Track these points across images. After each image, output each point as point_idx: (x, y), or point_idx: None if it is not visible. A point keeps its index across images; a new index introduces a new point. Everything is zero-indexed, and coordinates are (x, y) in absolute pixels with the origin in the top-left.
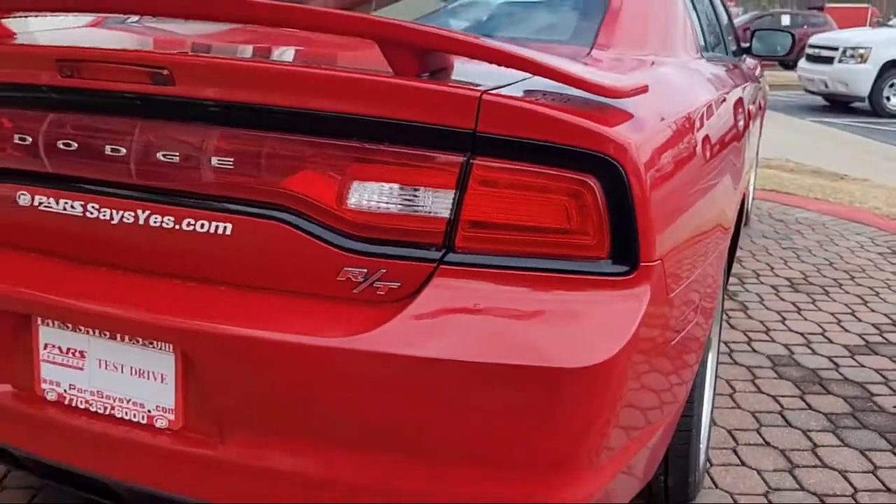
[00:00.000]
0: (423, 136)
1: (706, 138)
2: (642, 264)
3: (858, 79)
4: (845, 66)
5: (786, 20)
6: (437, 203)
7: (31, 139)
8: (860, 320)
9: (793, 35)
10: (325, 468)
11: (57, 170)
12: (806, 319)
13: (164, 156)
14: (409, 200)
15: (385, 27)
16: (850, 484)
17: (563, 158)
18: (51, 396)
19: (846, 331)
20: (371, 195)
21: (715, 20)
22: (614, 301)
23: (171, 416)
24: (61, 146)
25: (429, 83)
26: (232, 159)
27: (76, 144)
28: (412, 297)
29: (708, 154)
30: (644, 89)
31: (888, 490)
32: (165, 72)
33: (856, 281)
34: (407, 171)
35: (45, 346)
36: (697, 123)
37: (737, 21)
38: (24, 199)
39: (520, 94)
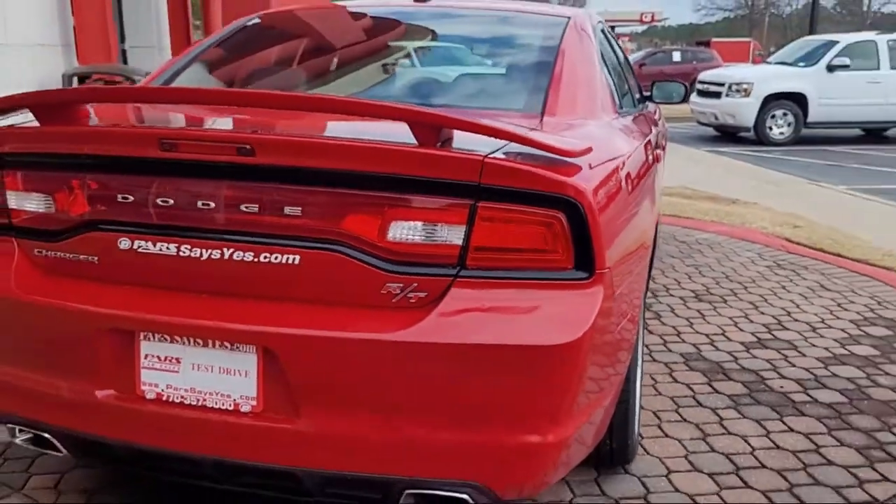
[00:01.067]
0: (442, 188)
1: (630, 178)
2: (597, 272)
3: (744, 111)
4: (732, 100)
5: (676, 56)
6: (453, 235)
7: (132, 198)
8: (752, 322)
9: (685, 85)
10: (382, 429)
11: (155, 221)
12: (709, 323)
13: (245, 207)
14: (432, 233)
15: (414, 113)
16: (749, 445)
17: (540, 200)
18: (150, 395)
19: (741, 331)
20: (405, 231)
21: (622, 74)
22: (579, 298)
23: (254, 402)
24: (160, 202)
25: (445, 151)
26: (300, 208)
27: (172, 201)
28: (436, 303)
29: (633, 189)
30: (590, 150)
31: (778, 448)
32: (248, 146)
33: (748, 290)
34: (431, 212)
35: (146, 357)
36: (624, 168)
37: (632, 58)
38: (124, 243)
39: (508, 156)
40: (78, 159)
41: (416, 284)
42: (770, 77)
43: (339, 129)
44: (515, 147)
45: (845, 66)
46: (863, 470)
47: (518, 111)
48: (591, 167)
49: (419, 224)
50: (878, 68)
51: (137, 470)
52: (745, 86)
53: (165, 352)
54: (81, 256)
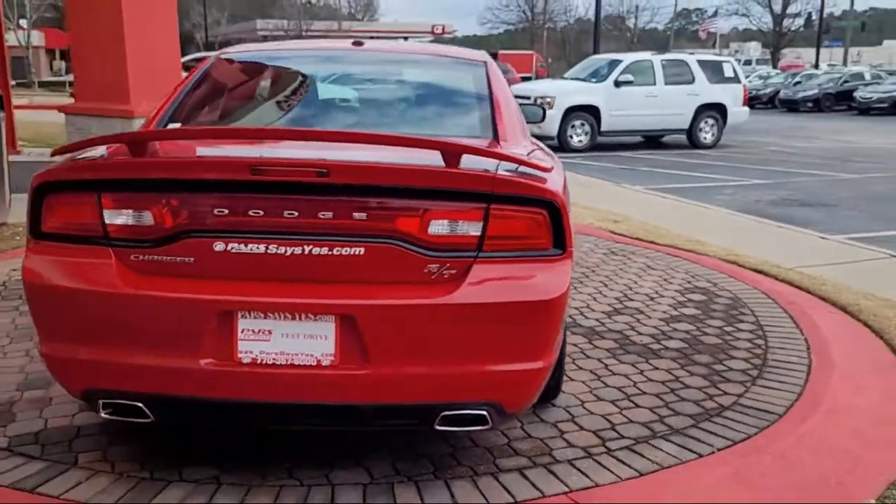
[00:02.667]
0: (466, 196)
1: (566, 185)
2: (567, 249)
3: (548, 122)
4: None
5: None
6: (473, 228)
7: (227, 211)
8: (606, 296)
9: (544, 108)
10: (427, 368)
11: (247, 228)
12: (574, 299)
13: (322, 214)
14: (459, 228)
15: (445, 144)
16: (631, 380)
17: (530, 202)
18: (246, 360)
19: (600, 303)
20: (440, 227)
21: None
22: (558, 268)
23: (332, 357)
24: (251, 213)
25: (467, 170)
26: (365, 213)
27: (262, 212)
28: (464, 276)
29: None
30: (553, 167)
31: (650, 380)
32: (325, 170)
33: (596, 273)
34: (458, 212)
35: (243, 331)
36: (564, 178)
37: None
38: (219, 246)
39: (508, 172)
40: (176, 182)
41: (448, 264)
42: (569, 91)
43: (384, 154)
44: (508, 164)
45: (629, 82)
46: (709, 388)
47: (480, 137)
48: (554, 178)
49: (450, 222)
50: (654, 84)
51: (221, 424)
52: (548, 99)
53: (259, 326)
54: (178, 258)
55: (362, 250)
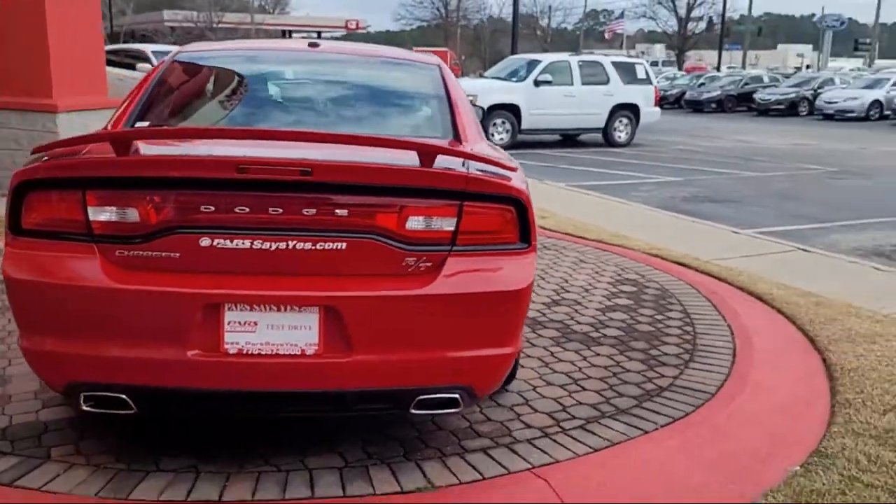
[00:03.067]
0: (441, 194)
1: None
2: (532, 244)
3: None
4: None
5: None
6: (447, 224)
7: (213, 207)
8: (544, 289)
9: (483, 109)
10: (405, 355)
11: (232, 224)
12: None
13: (305, 211)
14: (434, 223)
15: (420, 145)
16: (576, 366)
17: (500, 199)
18: (232, 351)
19: (539, 295)
20: (417, 223)
21: None
22: (524, 260)
23: (316, 347)
24: (237, 210)
25: (441, 170)
26: (346, 210)
27: (248, 209)
28: (439, 269)
29: None
30: (517, 167)
31: (594, 365)
32: (309, 169)
33: None
34: (433, 209)
35: (230, 323)
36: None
37: None
38: (204, 241)
39: (479, 171)
40: (162, 180)
41: (425, 258)
42: (490, 90)
43: (363, 153)
44: (478, 164)
45: (548, 82)
46: (647, 372)
47: (442, 138)
48: (519, 177)
49: (426, 218)
50: (572, 84)
51: (204, 414)
52: (470, 97)
53: (245, 318)
54: (164, 254)
55: (344, 245)
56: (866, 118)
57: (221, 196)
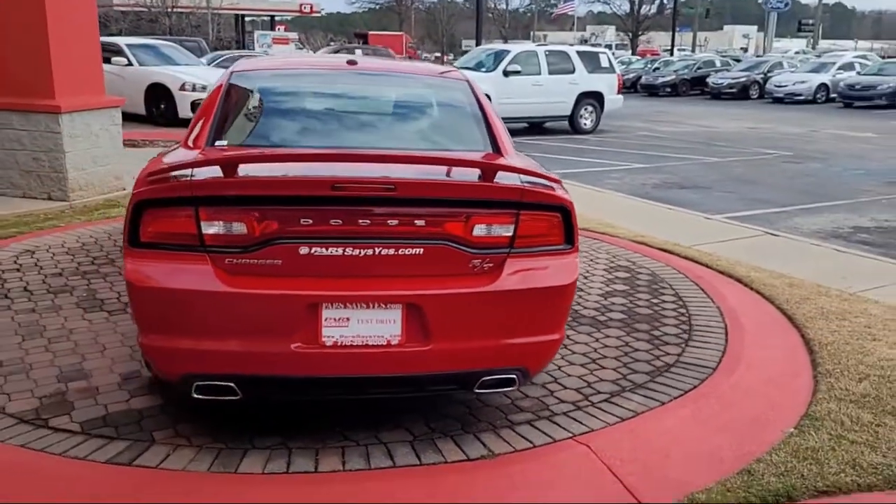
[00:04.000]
0: (502, 205)
1: None
2: (575, 245)
3: None
4: None
5: (359, 53)
6: (506, 230)
7: (311, 220)
8: None
9: None
10: (473, 342)
11: (327, 234)
12: None
13: (389, 222)
14: (496, 230)
15: (484, 164)
16: (591, 346)
17: (549, 208)
18: (328, 343)
19: None
20: (482, 230)
21: None
22: (569, 259)
23: (400, 338)
24: (332, 222)
25: (503, 184)
26: (423, 220)
27: (341, 221)
28: (501, 268)
29: None
30: (559, 178)
31: (606, 346)
32: (392, 186)
33: None
34: (495, 217)
35: (327, 319)
36: None
37: (322, 51)
38: (303, 250)
39: (532, 184)
40: (265, 198)
41: (488, 259)
42: None
43: (431, 171)
44: (529, 177)
45: (517, 72)
46: (654, 350)
47: (485, 151)
48: (563, 188)
49: (488, 225)
50: (539, 73)
51: (301, 397)
52: None
53: (340, 315)
54: (267, 261)
55: (421, 250)
56: (814, 101)
57: (317, 210)
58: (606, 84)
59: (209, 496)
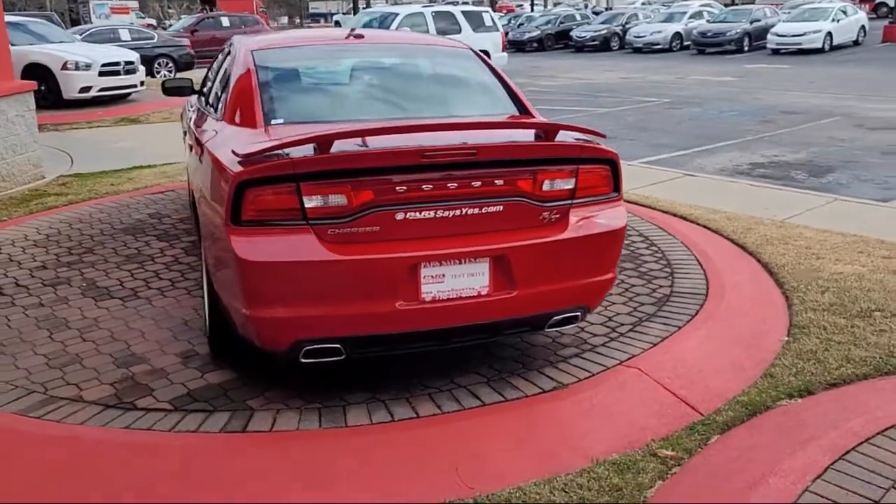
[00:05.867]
0: (564, 161)
1: None
2: (621, 193)
3: None
4: None
5: (225, 21)
6: (568, 184)
7: (406, 187)
8: None
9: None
10: (548, 286)
11: (419, 199)
12: None
13: (473, 182)
14: (559, 184)
15: (544, 125)
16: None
17: (601, 161)
18: (427, 299)
19: None
20: (549, 185)
21: None
22: (619, 206)
23: (487, 288)
24: (424, 188)
25: (565, 142)
26: (502, 180)
27: (431, 186)
28: (566, 218)
29: None
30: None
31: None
32: (474, 150)
33: None
34: (558, 173)
35: (425, 277)
36: None
37: (182, 24)
38: (399, 216)
39: (585, 140)
40: (361, 170)
41: (555, 211)
42: None
43: (500, 135)
44: (580, 134)
45: None
46: (649, 285)
47: (518, 114)
48: (604, 142)
49: (553, 180)
50: (427, 30)
51: (399, 350)
52: None
53: (436, 272)
54: (367, 228)
55: (501, 207)
56: (670, 49)
57: (410, 178)
58: (491, 42)
59: (357, 448)
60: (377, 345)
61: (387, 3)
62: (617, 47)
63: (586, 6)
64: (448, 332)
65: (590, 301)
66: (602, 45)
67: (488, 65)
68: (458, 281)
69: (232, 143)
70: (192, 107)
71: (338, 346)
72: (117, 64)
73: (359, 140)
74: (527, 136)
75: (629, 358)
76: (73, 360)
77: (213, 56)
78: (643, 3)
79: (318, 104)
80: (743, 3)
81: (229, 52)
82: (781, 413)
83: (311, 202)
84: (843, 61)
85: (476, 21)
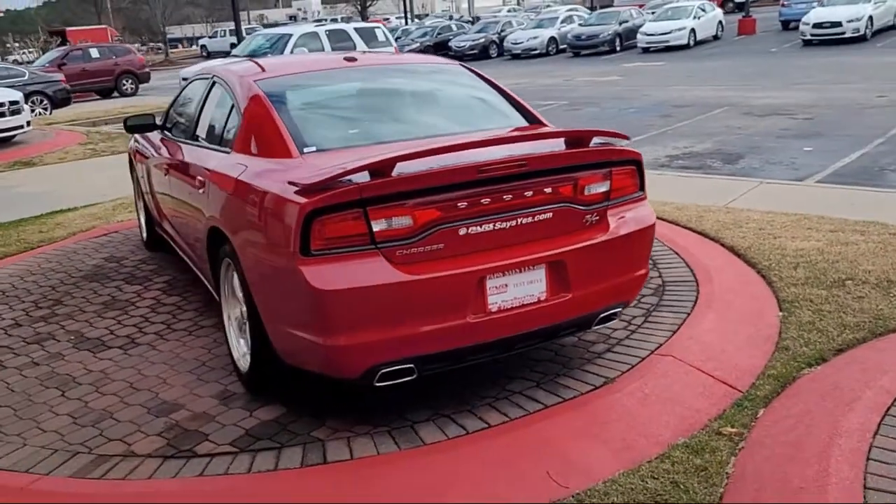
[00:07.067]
0: (596, 166)
1: None
2: (645, 191)
3: None
4: None
5: (95, 53)
6: (604, 186)
7: (466, 203)
8: None
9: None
10: (595, 285)
11: (479, 213)
12: None
13: (525, 192)
14: (596, 188)
15: (578, 133)
16: None
17: (629, 163)
18: (494, 309)
19: None
20: (588, 189)
21: None
22: (645, 204)
23: (545, 294)
24: (482, 202)
25: (600, 148)
26: (550, 187)
27: (489, 199)
28: (605, 219)
29: None
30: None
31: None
32: (524, 162)
33: None
34: (594, 177)
35: (490, 289)
36: None
37: (48, 58)
38: (462, 231)
39: (613, 144)
40: (423, 190)
41: (595, 214)
42: None
43: (540, 145)
44: (608, 138)
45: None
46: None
47: (530, 124)
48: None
49: (591, 185)
50: (323, 50)
51: (466, 363)
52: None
53: (499, 283)
54: (433, 247)
55: (550, 214)
56: (547, 53)
57: (469, 193)
58: None
59: (447, 463)
60: (447, 360)
61: (250, 23)
62: (496, 55)
63: (451, 18)
64: (512, 340)
65: (628, 297)
66: (481, 54)
67: (486, 79)
68: (519, 289)
69: (277, 174)
70: (149, 144)
71: (411, 365)
72: (1, 105)
73: (415, 161)
74: (562, 144)
75: (658, 347)
76: (102, 415)
77: (86, 90)
78: (509, 11)
79: (344, 130)
80: (603, 7)
81: (214, 83)
82: (811, 380)
83: (378, 226)
84: (708, 55)
85: (369, 37)
